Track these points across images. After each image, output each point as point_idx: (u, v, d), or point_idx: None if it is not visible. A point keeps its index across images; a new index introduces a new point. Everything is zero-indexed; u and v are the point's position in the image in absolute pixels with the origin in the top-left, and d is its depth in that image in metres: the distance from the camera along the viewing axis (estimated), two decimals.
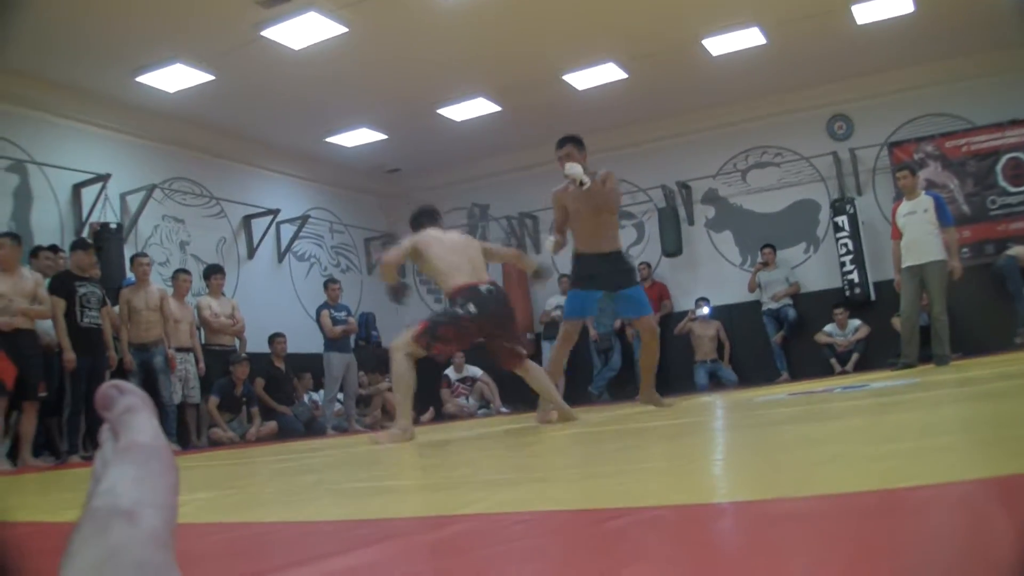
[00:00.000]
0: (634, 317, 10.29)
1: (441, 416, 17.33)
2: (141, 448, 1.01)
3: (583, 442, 5.80)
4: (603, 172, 9.49)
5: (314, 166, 19.18)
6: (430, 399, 17.68)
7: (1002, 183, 17.13)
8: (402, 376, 8.59)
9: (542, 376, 9.37)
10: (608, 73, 16.05)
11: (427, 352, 8.57)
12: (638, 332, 15.91)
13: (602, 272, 9.58)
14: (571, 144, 9.53)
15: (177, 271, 14.46)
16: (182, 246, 16.08)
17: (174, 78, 14.18)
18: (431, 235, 8.96)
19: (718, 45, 15.39)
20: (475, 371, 18.01)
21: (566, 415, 9.17)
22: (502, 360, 9.24)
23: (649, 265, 18.59)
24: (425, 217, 9.42)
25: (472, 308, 8.34)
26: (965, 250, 15.61)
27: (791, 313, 17.33)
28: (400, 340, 8.57)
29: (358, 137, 17.98)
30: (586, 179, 9.11)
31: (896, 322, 13.92)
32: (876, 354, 15.66)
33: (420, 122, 17.40)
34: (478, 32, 13.87)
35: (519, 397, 17.85)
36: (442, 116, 17.28)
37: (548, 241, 10.24)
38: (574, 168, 9.14)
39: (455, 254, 8.78)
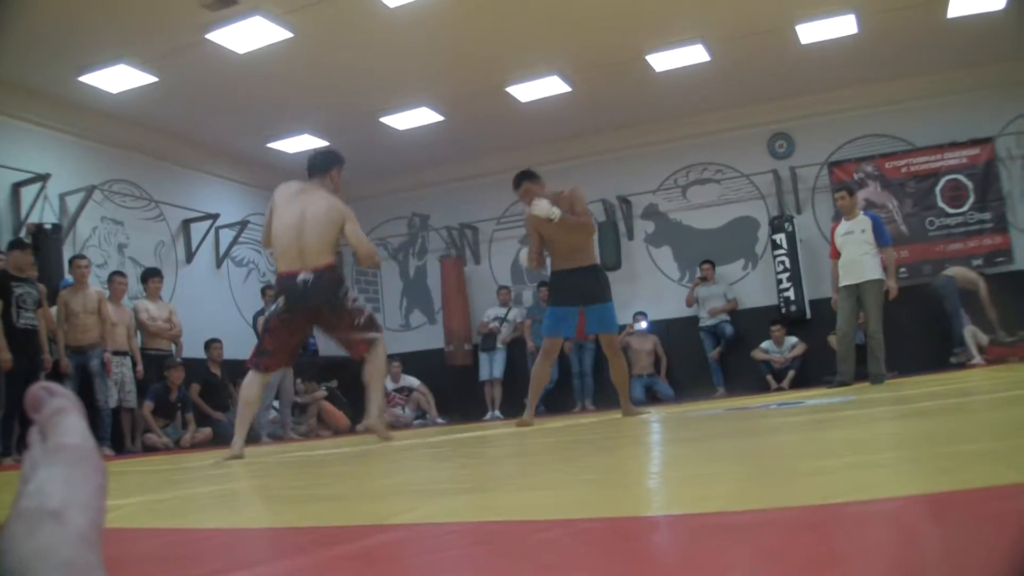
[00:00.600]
0: (600, 332, 10.00)
1: None
2: (70, 450, 1.00)
3: (519, 453, 5.80)
4: (568, 192, 9.50)
5: (255, 171, 19.08)
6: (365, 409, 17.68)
7: (941, 204, 17.38)
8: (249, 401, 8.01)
9: (380, 367, 8.67)
10: (552, 86, 16.09)
11: (266, 373, 8.04)
12: (576, 344, 16.03)
13: (576, 285, 9.51)
14: (527, 181, 9.55)
15: (113, 273, 14.33)
16: (120, 248, 15.96)
17: (118, 78, 14.08)
18: (279, 194, 8.51)
19: (662, 61, 15.49)
20: (412, 381, 18.01)
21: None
22: (353, 351, 8.49)
23: None
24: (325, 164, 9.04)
25: (281, 303, 7.83)
26: (903, 270, 15.81)
27: (728, 329, 17.42)
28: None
29: (300, 143, 17.88)
30: (555, 212, 9.06)
31: (832, 340, 14.06)
32: (812, 371, 15.80)
33: (363, 130, 17.35)
34: (423, 42, 13.87)
35: (455, 408, 17.88)
36: (385, 124, 17.23)
37: (522, 253, 10.04)
38: (541, 206, 9.10)
39: (287, 231, 8.09)
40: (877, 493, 2.06)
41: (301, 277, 7.75)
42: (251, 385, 7.86)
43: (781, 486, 2.53)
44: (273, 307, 7.75)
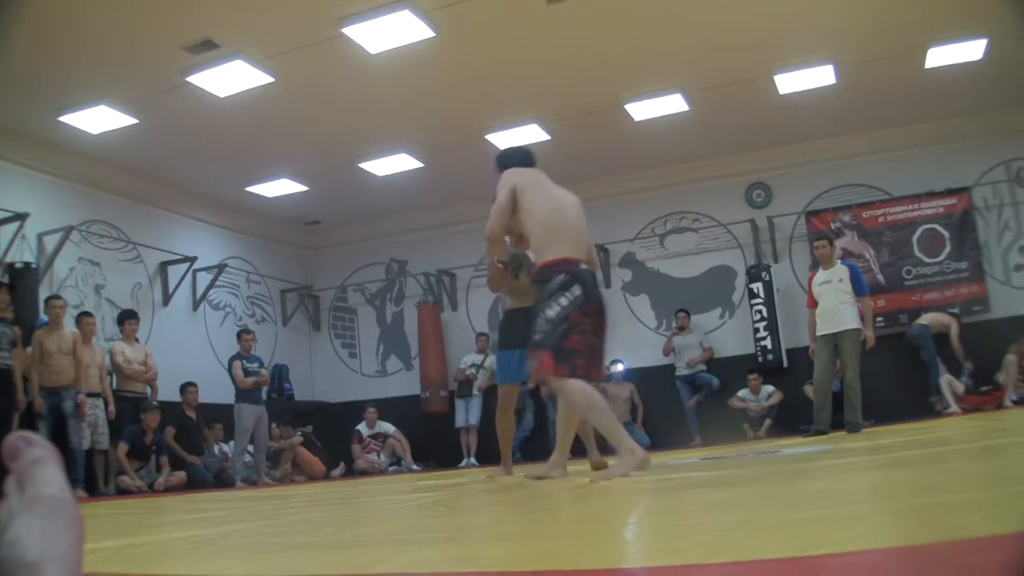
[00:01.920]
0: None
1: (352, 472, 17.23)
2: (47, 501, 0.99)
3: (495, 503, 5.78)
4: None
5: (233, 215, 19.08)
6: (341, 454, 17.62)
7: (918, 254, 17.49)
8: (589, 399, 6.51)
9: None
10: (530, 134, 16.11)
11: (585, 378, 6.57)
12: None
13: (521, 327, 8.71)
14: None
15: (81, 314, 14.18)
16: (97, 289, 15.89)
17: (98, 119, 14.05)
18: (521, 175, 7.32)
19: (641, 110, 15.54)
20: (387, 427, 17.96)
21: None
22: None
23: None
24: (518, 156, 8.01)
25: (578, 292, 6.66)
26: (880, 319, 15.87)
27: (715, 381, 17.41)
28: (564, 382, 6.53)
29: (279, 187, 17.92)
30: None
31: (808, 389, 14.07)
32: (789, 420, 15.80)
33: (342, 175, 17.38)
34: (403, 88, 13.90)
35: (431, 454, 17.83)
36: (364, 170, 17.24)
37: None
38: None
39: (562, 213, 7.10)
40: (855, 545, 2.06)
41: (584, 267, 6.87)
42: (582, 390, 6.51)
43: (758, 537, 2.53)
44: (567, 299, 6.59)
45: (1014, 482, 3.64)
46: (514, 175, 7.18)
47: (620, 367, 17.92)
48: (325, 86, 13.76)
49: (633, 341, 18.61)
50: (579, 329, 6.54)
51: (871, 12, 13.22)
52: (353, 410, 18.73)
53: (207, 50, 12.17)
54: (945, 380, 15.22)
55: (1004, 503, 2.70)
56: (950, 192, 17.64)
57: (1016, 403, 15.05)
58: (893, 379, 15.75)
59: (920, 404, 15.84)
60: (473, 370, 18.56)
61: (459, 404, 18.58)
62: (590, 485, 6.07)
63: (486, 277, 9.61)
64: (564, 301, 6.56)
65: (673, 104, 15.49)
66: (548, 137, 16.19)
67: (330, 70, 13.19)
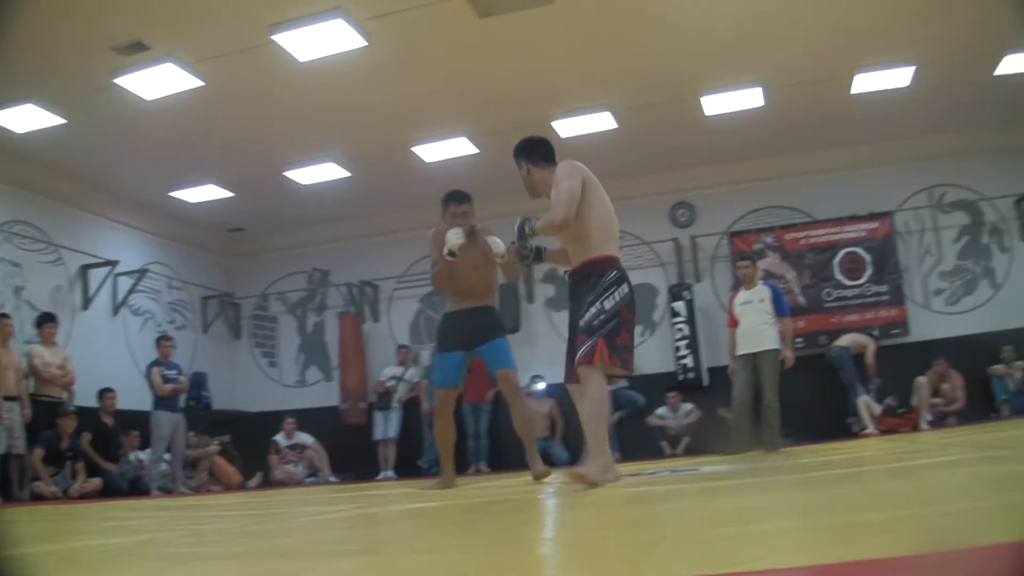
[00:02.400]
0: (495, 369, 9.20)
1: (269, 482, 17.13)
2: None
3: (415, 515, 5.77)
4: (482, 228, 9.09)
5: (157, 219, 18.87)
6: (258, 464, 17.50)
7: (838, 276, 17.70)
8: (602, 401, 6.76)
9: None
10: (459, 147, 16.17)
11: (625, 372, 6.86)
12: (472, 406, 15.90)
13: (464, 326, 9.04)
14: (469, 203, 9.28)
15: None
16: (17, 291, 15.67)
17: (24, 118, 13.81)
18: (587, 171, 7.42)
19: (568, 127, 15.58)
20: (306, 438, 17.84)
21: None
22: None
23: None
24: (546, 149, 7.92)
25: (628, 290, 6.83)
26: (799, 340, 15.97)
27: (633, 396, 17.42)
28: (591, 369, 6.61)
29: (204, 193, 17.77)
30: (501, 248, 8.48)
31: (725, 412, 14.15)
32: (707, 438, 15.84)
33: (267, 182, 17.27)
34: (332, 97, 13.85)
35: (349, 466, 17.75)
36: (289, 178, 17.15)
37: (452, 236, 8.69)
38: (498, 245, 8.51)
39: (613, 215, 7.39)
40: (769, 563, 2.07)
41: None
42: (605, 393, 6.78)
43: (676, 555, 2.53)
44: (620, 295, 6.73)
45: (928, 503, 3.68)
46: (581, 168, 7.29)
47: (541, 383, 17.92)
48: (254, 93, 13.68)
49: (554, 357, 18.45)
50: (627, 327, 6.69)
51: (800, 37, 13.34)
52: (272, 420, 18.56)
53: (137, 52, 12.04)
54: (863, 401, 15.34)
55: (918, 523, 2.72)
56: (872, 216, 17.88)
57: (931, 425, 15.22)
58: (812, 399, 15.87)
59: (838, 425, 15.98)
60: (393, 382, 18.50)
61: (378, 416, 18.47)
62: (511, 501, 6.07)
63: (431, 275, 9.41)
64: (618, 296, 6.70)
65: (601, 122, 15.56)
66: (477, 151, 16.20)
67: (259, 77, 13.11)
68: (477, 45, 12.69)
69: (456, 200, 9.25)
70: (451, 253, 8.52)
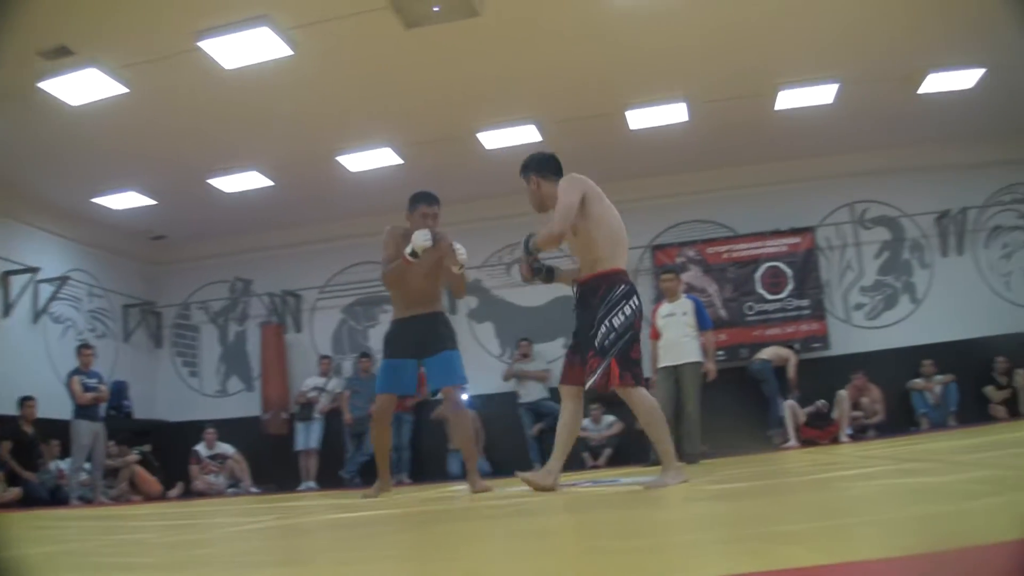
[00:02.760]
0: (441, 384, 8.97)
1: (189, 493, 17.01)
2: None
3: (338, 526, 5.76)
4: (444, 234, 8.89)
5: (79, 226, 18.62)
6: (179, 474, 17.39)
7: (760, 290, 17.86)
8: (653, 408, 6.88)
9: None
10: (383, 157, 16.14)
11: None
12: (394, 416, 15.79)
13: (413, 333, 8.81)
14: (439, 205, 9.14)
15: None
16: None
17: None
18: (591, 185, 7.29)
19: (493, 139, 15.67)
20: (227, 448, 17.72)
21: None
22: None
23: None
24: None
25: (636, 302, 7.02)
26: (721, 353, 16.08)
27: (555, 408, 17.45)
28: (620, 392, 6.78)
29: (126, 200, 17.55)
30: (461, 255, 8.57)
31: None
32: (629, 450, 15.89)
33: (191, 190, 17.09)
34: (258, 106, 13.78)
35: (270, 477, 17.66)
36: (213, 186, 16.99)
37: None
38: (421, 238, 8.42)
39: (622, 226, 7.44)
40: (684, 574, 2.09)
41: None
42: (651, 399, 6.91)
43: (597, 565, 2.56)
44: (631, 309, 6.89)
45: (842, 514, 3.73)
46: (584, 182, 7.20)
47: (464, 395, 17.88)
48: (179, 100, 13.55)
49: (476, 368, 18.58)
50: (637, 338, 6.84)
51: (724, 54, 13.47)
52: (192, 430, 18.39)
53: (62, 57, 11.94)
54: (788, 406, 15.44)
55: (831, 534, 2.76)
56: (794, 231, 18.10)
57: (851, 437, 15.36)
58: (733, 412, 15.97)
59: (758, 437, 16.09)
60: (315, 393, 18.43)
61: (299, 427, 18.39)
62: (427, 511, 6.07)
63: (382, 272, 8.85)
64: (628, 311, 6.84)
65: (526, 134, 15.61)
66: (401, 161, 16.18)
67: (185, 84, 12.98)
68: (403, 56, 12.66)
69: (427, 201, 9.11)
70: (414, 254, 8.41)
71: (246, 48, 11.93)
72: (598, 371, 6.70)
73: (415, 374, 8.96)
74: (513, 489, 8.59)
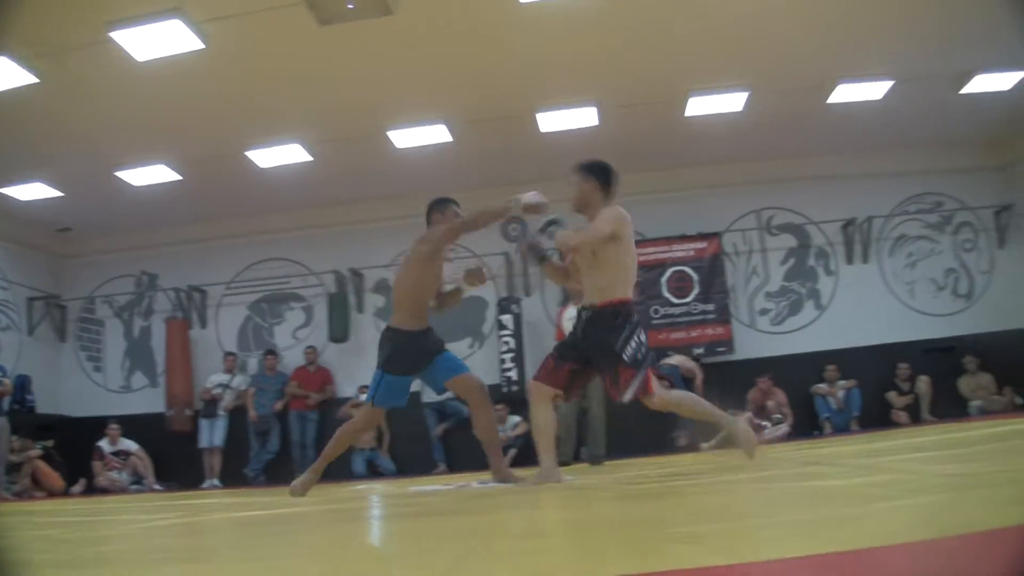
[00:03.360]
0: (453, 376, 8.73)
1: (93, 489, 16.85)
2: None
3: (243, 524, 5.75)
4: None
5: None
6: (82, 470, 17.22)
7: (666, 294, 18.00)
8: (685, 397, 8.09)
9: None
10: (292, 153, 16.02)
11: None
12: (298, 415, 15.73)
13: (421, 352, 8.56)
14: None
15: None
16: None
17: None
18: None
19: (405, 138, 15.64)
20: (130, 445, 17.57)
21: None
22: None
23: (315, 349, 18.57)
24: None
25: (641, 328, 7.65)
26: None
27: (459, 407, 17.45)
28: (655, 398, 7.54)
29: (32, 191, 17.31)
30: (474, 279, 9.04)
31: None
32: (534, 451, 15.92)
33: (99, 182, 16.87)
34: (168, 98, 13.61)
35: (174, 474, 17.53)
36: (120, 179, 16.76)
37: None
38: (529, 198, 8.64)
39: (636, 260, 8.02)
40: (582, 573, 2.12)
41: None
42: (688, 394, 8.17)
43: (490, 565, 2.58)
44: (643, 332, 7.53)
45: (742, 516, 3.78)
46: (627, 221, 7.88)
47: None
48: (89, 90, 13.35)
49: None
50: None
51: (636, 58, 13.55)
52: (96, 425, 18.18)
53: None
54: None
55: (731, 536, 2.80)
56: (702, 236, 18.27)
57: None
58: (637, 414, 16.02)
59: (662, 439, 16.20)
60: (220, 389, 18.32)
61: (204, 424, 18.25)
62: (335, 509, 6.07)
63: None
64: (643, 333, 7.50)
65: (437, 134, 15.59)
66: (311, 158, 16.11)
67: (96, 75, 12.80)
68: (316, 53, 12.62)
69: (455, 202, 9.33)
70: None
71: (158, 40, 11.75)
72: (635, 383, 7.31)
73: (408, 388, 8.69)
74: (421, 488, 8.61)
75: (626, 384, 7.29)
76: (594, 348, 7.52)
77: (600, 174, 8.21)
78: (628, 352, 7.30)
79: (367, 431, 8.52)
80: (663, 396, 7.53)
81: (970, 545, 2.16)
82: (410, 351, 8.44)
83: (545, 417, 8.07)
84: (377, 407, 8.56)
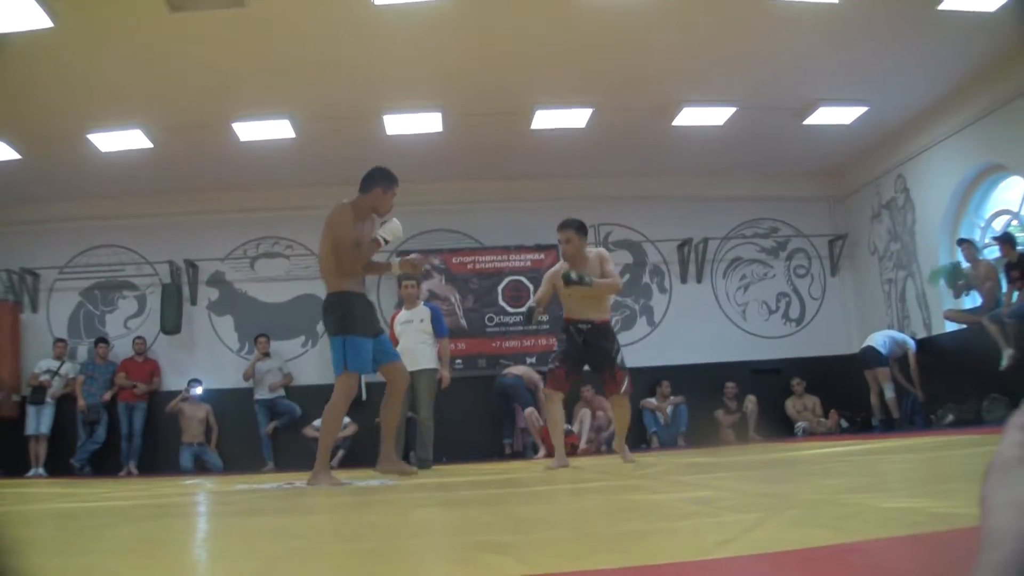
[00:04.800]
0: (388, 361, 8.91)
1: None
2: None
3: (60, 515, 5.69)
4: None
5: None
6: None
7: (502, 303, 18.14)
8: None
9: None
10: (133, 139, 15.69)
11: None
12: (127, 406, 15.55)
13: (372, 314, 8.73)
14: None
15: None
16: None
17: None
18: None
19: (248, 131, 15.55)
20: None
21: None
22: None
23: (144, 340, 18.32)
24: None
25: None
26: (459, 361, 16.33)
27: (291, 406, 17.39)
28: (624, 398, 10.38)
29: None
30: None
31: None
32: (363, 452, 15.91)
33: None
34: (12, 75, 13.24)
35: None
36: None
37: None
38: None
39: None
40: None
41: None
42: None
43: (304, 566, 2.61)
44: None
45: (555, 526, 3.84)
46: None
47: (199, 388, 17.70)
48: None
49: (214, 362, 18.42)
50: None
51: (483, 69, 13.72)
52: None
53: None
54: (528, 413, 15.64)
55: (540, 546, 2.85)
56: (539, 248, 18.47)
57: (585, 450, 15.77)
58: (468, 420, 16.22)
59: (494, 446, 16.32)
60: (48, 376, 18.01)
61: (31, 411, 17.89)
62: (159, 504, 6.04)
63: (347, 255, 8.73)
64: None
65: (280, 129, 15.52)
66: (151, 145, 15.85)
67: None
68: (165, 39, 12.47)
69: (396, 182, 9.48)
70: (386, 241, 8.80)
71: (4, 14, 11.48)
72: (625, 382, 10.02)
73: (370, 351, 8.60)
74: (247, 486, 8.58)
75: (621, 382, 9.93)
76: (598, 354, 9.98)
77: (583, 231, 10.02)
78: (620, 358, 10.02)
79: (348, 402, 8.33)
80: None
81: (779, 564, 2.23)
82: (361, 312, 8.54)
83: (561, 414, 10.26)
84: (352, 372, 8.43)
